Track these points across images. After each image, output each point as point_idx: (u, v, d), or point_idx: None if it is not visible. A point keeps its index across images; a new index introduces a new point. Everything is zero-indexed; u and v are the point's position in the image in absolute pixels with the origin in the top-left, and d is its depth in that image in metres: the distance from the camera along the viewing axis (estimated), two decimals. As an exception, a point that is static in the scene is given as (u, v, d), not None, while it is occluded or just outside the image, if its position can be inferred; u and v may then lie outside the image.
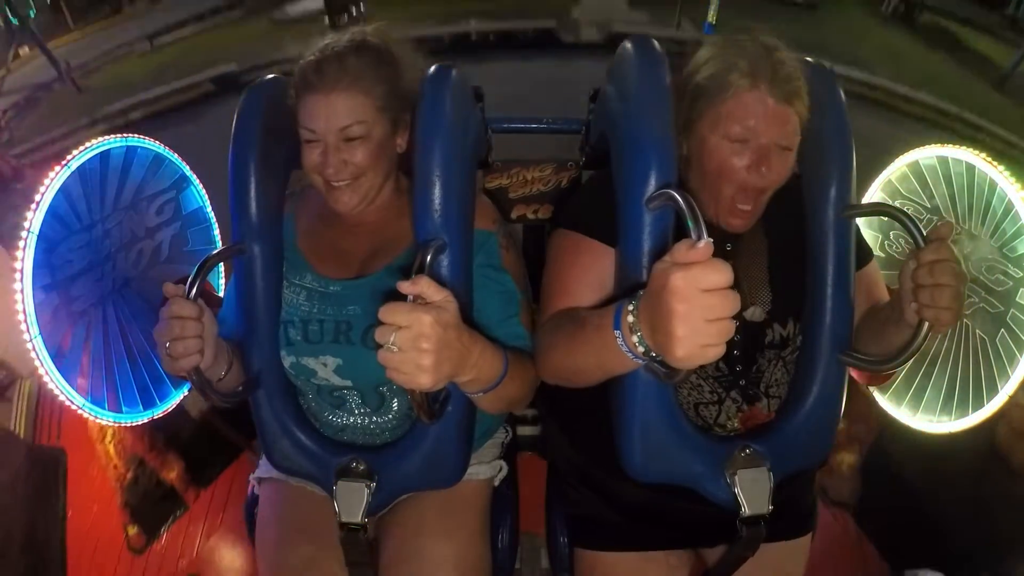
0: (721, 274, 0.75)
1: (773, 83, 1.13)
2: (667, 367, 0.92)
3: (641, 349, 0.88)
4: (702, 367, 1.21)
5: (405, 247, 1.25)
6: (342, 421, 1.32)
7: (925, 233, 1.05)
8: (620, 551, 1.36)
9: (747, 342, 1.25)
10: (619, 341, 0.91)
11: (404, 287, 0.90)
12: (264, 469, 1.46)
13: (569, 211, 1.33)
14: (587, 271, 1.20)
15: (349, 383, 1.28)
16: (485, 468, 1.44)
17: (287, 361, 1.29)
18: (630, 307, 0.89)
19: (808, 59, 1.24)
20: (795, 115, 1.15)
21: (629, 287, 1.10)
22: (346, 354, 1.26)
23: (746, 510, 1.18)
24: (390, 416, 1.31)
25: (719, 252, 1.26)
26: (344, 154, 1.19)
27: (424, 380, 0.90)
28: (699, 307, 0.76)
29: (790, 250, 1.26)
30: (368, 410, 1.30)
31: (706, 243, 0.76)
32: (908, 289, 1.06)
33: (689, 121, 1.20)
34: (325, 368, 1.27)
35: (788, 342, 1.27)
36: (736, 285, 1.22)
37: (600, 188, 1.21)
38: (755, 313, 1.26)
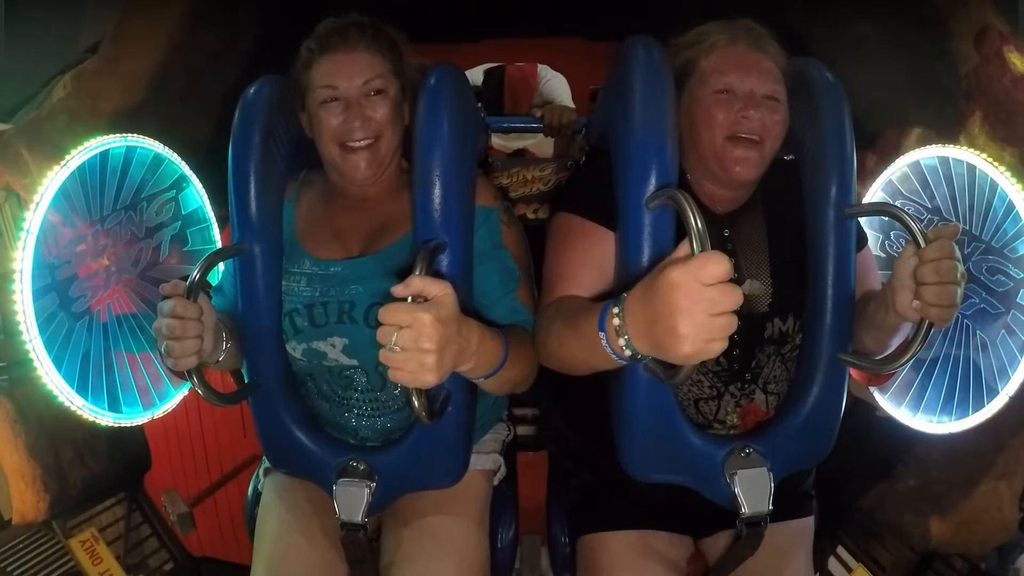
0: (720, 266, 0.75)
1: (748, 38, 1.22)
2: (666, 367, 0.92)
3: (628, 353, 0.88)
4: (702, 362, 1.22)
5: (406, 230, 1.25)
6: (350, 402, 1.32)
7: (930, 232, 1.05)
8: (622, 530, 1.36)
9: (747, 336, 1.25)
10: (603, 343, 0.91)
11: (398, 291, 0.90)
12: None
13: (569, 195, 1.34)
14: (587, 254, 1.20)
15: (355, 363, 1.28)
16: (485, 459, 1.44)
17: (298, 350, 1.29)
18: (615, 309, 0.88)
19: (810, 59, 1.24)
20: (773, 64, 1.21)
21: (629, 286, 1.09)
22: (351, 333, 1.27)
23: (746, 510, 1.18)
24: (394, 396, 1.32)
25: (717, 238, 1.28)
26: (367, 109, 1.23)
27: (429, 378, 0.90)
28: (702, 301, 0.75)
29: (790, 241, 1.26)
30: (373, 390, 1.31)
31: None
32: (905, 284, 1.06)
33: (680, 91, 1.22)
34: (334, 349, 1.28)
35: (787, 339, 1.27)
36: (735, 266, 1.24)
37: (600, 172, 1.22)
38: (753, 286, 1.25)
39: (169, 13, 1.78)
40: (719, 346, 0.77)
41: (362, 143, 1.23)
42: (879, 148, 1.66)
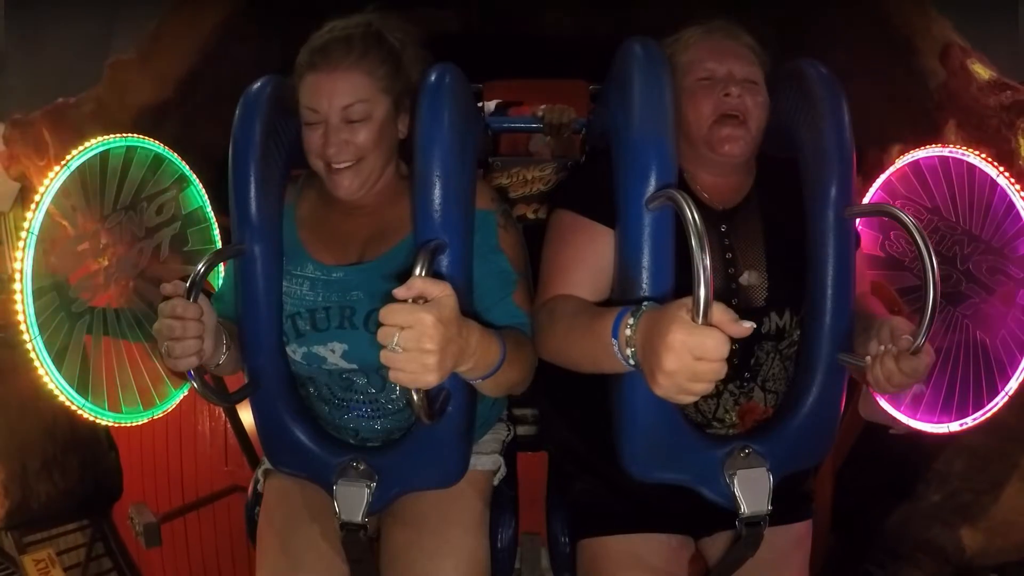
0: (717, 348, 0.78)
1: (722, 31, 1.30)
2: None
3: (632, 362, 0.92)
4: None
5: (407, 233, 1.25)
6: (350, 404, 1.32)
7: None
8: (622, 533, 1.36)
9: None
10: (614, 348, 0.95)
11: (400, 293, 0.90)
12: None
13: (568, 192, 1.35)
14: (583, 251, 1.21)
15: (355, 367, 1.28)
16: (484, 459, 1.44)
17: (299, 353, 1.29)
18: (630, 320, 0.92)
19: (809, 60, 1.24)
20: (747, 49, 1.29)
21: (628, 286, 1.10)
22: (351, 339, 1.27)
23: (745, 510, 1.18)
24: (394, 399, 1.32)
25: (714, 234, 1.30)
26: (345, 134, 1.21)
27: (430, 379, 0.90)
28: (687, 368, 0.80)
29: (787, 237, 1.27)
30: (373, 392, 1.31)
31: (721, 310, 0.79)
32: (883, 349, 1.09)
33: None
34: (333, 354, 1.28)
35: (785, 334, 1.27)
36: (732, 259, 1.25)
37: (599, 171, 1.22)
38: (750, 277, 1.26)
39: (205, 22, 1.89)
40: (687, 399, 0.84)
41: (343, 165, 1.22)
42: (863, 169, 1.73)
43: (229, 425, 2.05)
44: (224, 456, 2.22)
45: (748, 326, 0.81)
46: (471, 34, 2.51)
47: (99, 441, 1.89)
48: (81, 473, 1.78)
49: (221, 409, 2.04)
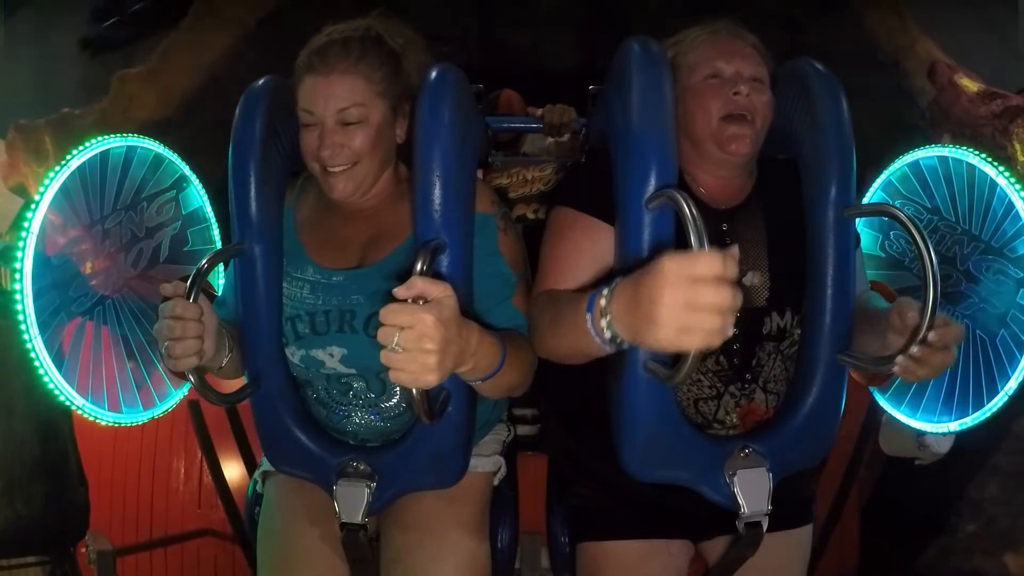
0: (710, 266, 0.75)
1: (727, 29, 1.30)
2: (666, 367, 0.92)
3: (608, 334, 0.90)
4: (702, 361, 1.22)
5: (407, 236, 1.25)
6: (349, 408, 1.32)
7: (938, 320, 1.03)
8: (622, 539, 1.36)
9: (746, 332, 1.25)
10: (588, 324, 0.93)
11: (400, 293, 0.90)
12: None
13: (568, 190, 1.35)
14: (582, 247, 1.21)
15: (354, 371, 1.28)
16: (484, 461, 1.44)
17: (297, 355, 1.29)
18: (604, 291, 0.91)
19: (808, 59, 1.25)
20: (752, 48, 1.28)
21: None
22: (350, 343, 1.27)
23: (745, 510, 1.18)
24: (393, 403, 1.32)
25: (715, 233, 1.29)
26: (340, 137, 1.21)
27: (430, 379, 0.90)
28: (685, 297, 0.75)
29: (787, 237, 1.27)
30: (372, 396, 1.31)
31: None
32: (899, 333, 1.07)
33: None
34: (332, 358, 1.28)
35: (786, 334, 1.27)
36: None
37: (600, 169, 1.22)
38: (753, 278, 1.26)
39: (213, 44, 1.92)
40: (694, 340, 0.77)
41: (338, 169, 1.23)
42: (860, 191, 1.75)
43: (205, 464, 1.94)
44: (198, 497, 2.13)
45: (734, 252, 0.76)
46: (470, 67, 2.53)
47: (70, 472, 1.82)
48: (47, 503, 1.70)
49: (198, 447, 1.94)
